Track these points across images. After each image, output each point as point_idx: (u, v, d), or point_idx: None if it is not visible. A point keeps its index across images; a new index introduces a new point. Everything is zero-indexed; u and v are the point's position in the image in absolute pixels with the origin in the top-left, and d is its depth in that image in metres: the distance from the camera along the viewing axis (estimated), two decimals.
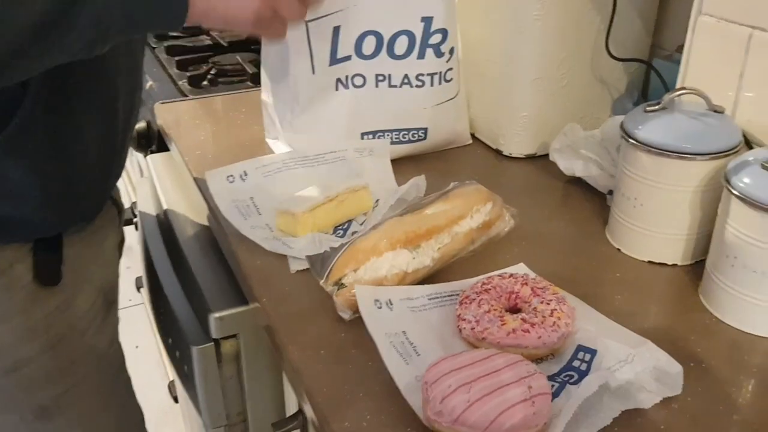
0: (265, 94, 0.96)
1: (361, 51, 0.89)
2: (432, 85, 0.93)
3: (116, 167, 0.80)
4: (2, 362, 0.74)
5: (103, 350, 0.85)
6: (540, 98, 0.94)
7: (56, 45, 0.56)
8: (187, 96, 1.22)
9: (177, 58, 1.36)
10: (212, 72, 1.29)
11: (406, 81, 0.92)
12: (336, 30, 0.87)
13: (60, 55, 0.58)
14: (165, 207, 1.01)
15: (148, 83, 1.31)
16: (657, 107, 0.72)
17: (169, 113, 1.13)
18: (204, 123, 1.09)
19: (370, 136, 0.94)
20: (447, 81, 0.94)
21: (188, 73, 1.28)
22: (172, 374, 1.27)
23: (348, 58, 0.89)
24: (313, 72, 0.88)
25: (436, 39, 0.91)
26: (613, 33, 0.92)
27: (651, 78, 0.99)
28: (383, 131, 0.94)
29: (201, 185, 0.90)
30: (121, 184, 0.91)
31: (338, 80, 0.90)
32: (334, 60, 0.89)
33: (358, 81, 0.91)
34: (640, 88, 1.01)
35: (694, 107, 0.73)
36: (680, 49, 0.88)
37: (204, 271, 0.85)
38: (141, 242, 1.06)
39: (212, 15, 0.67)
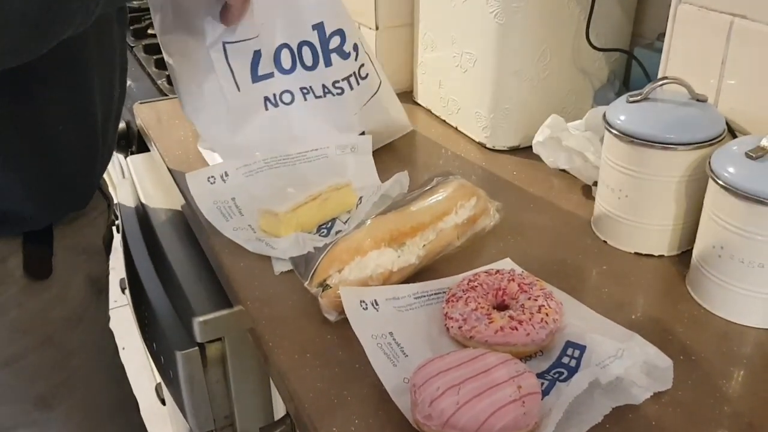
0: (189, 111, 0.91)
1: (281, 65, 0.88)
2: (352, 88, 0.90)
3: (101, 157, 0.79)
4: (0, 355, 0.73)
5: (97, 339, 0.85)
6: (522, 90, 0.94)
7: (63, 15, 0.54)
8: (166, 95, 1.20)
9: (155, 57, 1.34)
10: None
11: (327, 90, 0.90)
12: (257, 53, 0.86)
13: (65, 26, 0.56)
14: (146, 208, 1.00)
15: (127, 83, 1.29)
16: (639, 97, 0.72)
17: (148, 113, 1.12)
18: (183, 122, 1.07)
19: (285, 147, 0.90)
20: (363, 78, 0.91)
21: (167, 72, 1.26)
22: (158, 376, 1.26)
23: (270, 75, 0.88)
24: (238, 89, 0.86)
25: (335, 42, 0.88)
26: (593, 23, 0.91)
27: (632, 67, 0.98)
28: (323, 148, 0.90)
29: (182, 186, 0.88)
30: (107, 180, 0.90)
31: (266, 99, 0.88)
32: (256, 77, 0.87)
33: (287, 98, 0.89)
34: (622, 77, 1.00)
35: (676, 96, 0.72)
36: (661, 37, 0.87)
37: (187, 274, 0.84)
38: (122, 244, 1.05)
39: None
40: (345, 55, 0.89)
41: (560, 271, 0.71)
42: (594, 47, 0.93)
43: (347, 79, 0.90)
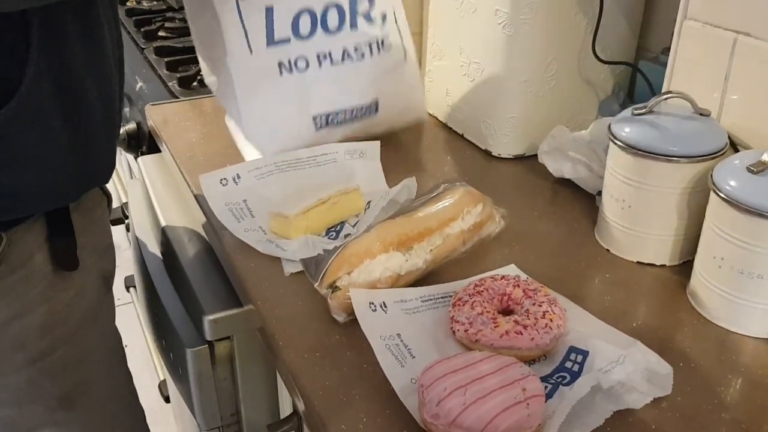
0: (208, 80, 0.94)
1: (299, 32, 0.88)
2: (372, 54, 0.92)
3: (117, 130, 0.80)
4: (29, 352, 0.74)
5: (110, 337, 0.86)
6: (528, 100, 0.95)
7: None
8: (177, 97, 1.22)
9: (167, 59, 1.35)
10: (202, 73, 1.29)
11: (347, 55, 0.91)
12: (269, 11, 0.86)
13: None
14: (157, 208, 1.01)
15: (138, 84, 1.31)
16: (644, 110, 0.73)
17: (159, 115, 1.13)
18: (194, 124, 1.09)
19: (323, 119, 0.92)
20: (386, 48, 0.93)
21: (178, 75, 1.28)
22: (162, 374, 1.27)
23: (287, 40, 0.88)
24: (251, 52, 0.86)
25: (364, 7, 0.90)
26: (599, 36, 0.93)
27: (637, 79, 1.00)
28: (335, 112, 0.92)
29: (194, 188, 0.90)
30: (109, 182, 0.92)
31: (280, 64, 0.88)
32: (272, 41, 0.87)
33: (302, 64, 0.89)
34: (627, 89, 1.02)
35: (680, 110, 0.74)
36: (666, 51, 0.89)
37: (197, 273, 0.86)
38: (133, 244, 1.07)
39: None
40: (371, 20, 0.90)
41: (564, 278, 0.73)
42: (600, 60, 0.94)
43: (370, 44, 0.91)
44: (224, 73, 0.89)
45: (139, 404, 0.95)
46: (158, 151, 1.12)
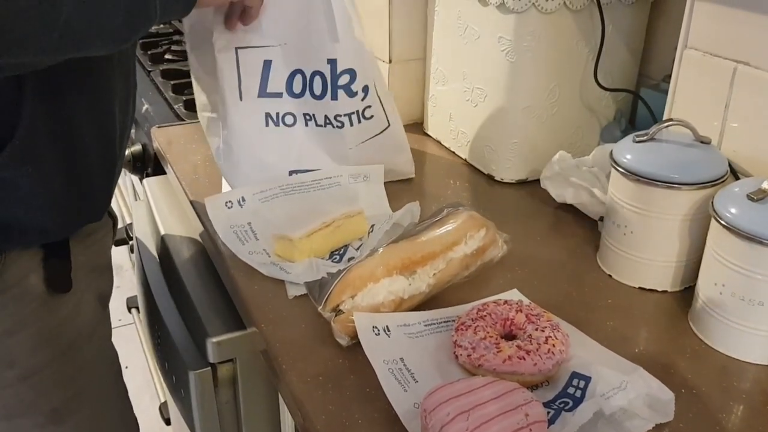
0: (200, 117, 0.96)
1: (292, 89, 0.91)
2: (352, 124, 0.92)
3: (117, 167, 0.82)
4: (18, 369, 0.75)
5: (106, 354, 0.87)
6: (530, 125, 0.97)
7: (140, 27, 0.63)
8: (183, 120, 1.23)
9: (173, 82, 1.37)
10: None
11: (328, 121, 0.92)
12: (267, 64, 0.88)
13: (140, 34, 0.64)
14: (162, 230, 1.02)
15: (144, 107, 1.32)
16: (645, 137, 0.74)
17: (165, 137, 1.14)
18: (200, 147, 1.10)
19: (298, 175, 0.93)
20: (367, 118, 0.94)
21: (184, 97, 1.30)
22: (163, 395, 1.27)
23: (279, 95, 0.90)
24: (241, 99, 0.89)
25: (344, 80, 0.91)
26: (601, 63, 0.94)
27: (638, 105, 1.01)
28: (311, 171, 0.93)
29: (199, 210, 0.91)
30: (114, 203, 0.93)
31: (267, 115, 0.91)
32: (264, 93, 0.90)
33: (289, 120, 0.92)
34: (628, 115, 1.03)
35: (681, 138, 0.75)
36: (667, 78, 0.90)
37: (201, 295, 0.86)
38: (137, 265, 1.07)
39: None
40: (351, 94, 0.91)
41: (566, 304, 0.73)
42: (602, 87, 0.96)
43: (349, 115, 0.92)
44: (215, 116, 0.91)
45: (134, 419, 0.96)
46: (163, 173, 1.13)
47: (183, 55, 1.57)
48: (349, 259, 0.79)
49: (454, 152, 1.09)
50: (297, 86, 0.91)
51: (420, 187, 1.00)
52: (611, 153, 0.76)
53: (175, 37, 1.73)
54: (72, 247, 0.77)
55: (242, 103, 0.89)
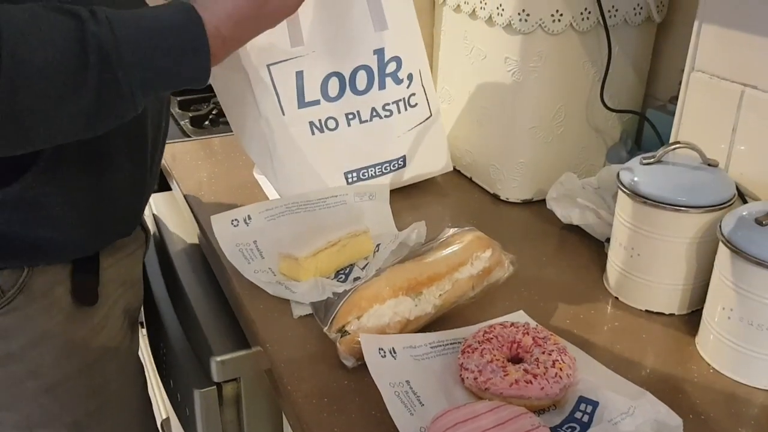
0: (240, 140, 0.97)
1: (328, 94, 0.92)
2: (399, 112, 0.97)
3: (148, 185, 0.82)
4: (43, 380, 0.75)
5: (131, 369, 0.87)
6: (536, 145, 0.97)
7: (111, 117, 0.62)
8: (189, 136, 1.24)
9: (179, 98, 1.37)
10: (214, 112, 1.31)
11: (375, 114, 0.95)
12: (299, 74, 0.90)
13: (115, 122, 0.63)
14: (167, 246, 1.02)
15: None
16: (652, 160, 0.74)
17: (170, 153, 1.15)
18: (206, 164, 1.11)
19: (354, 174, 0.95)
20: (412, 106, 0.98)
21: (190, 113, 1.30)
22: (165, 412, 1.26)
23: (317, 102, 0.92)
24: (283, 113, 0.90)
25: (391, 68, 0.95)
26: (607, 84, 0.95)
27: (645, 126, 1.01)
28: (364, 168, 0.96)
29: (204, 228, 0.91)
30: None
31: (311, 124, 0.92)
32: (303, 103, 0.91)
33: (331, 124, 0.93)
34: (634, 136, 1.03)
35: (688, 160, 0.75)
36: (673, 100, 0.90)
37: (206, 313, 0.86)
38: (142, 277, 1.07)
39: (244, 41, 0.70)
40: (398, 81, 0.95)
41: (572, 326, 0.73)
42: (608, 108, 0.96)
43: (397, 102, 0.96)
44: (257, 134, 0.91)
45: (156, 430, 0.95)
46: (169, 189, 1.13)
47: None
48: (355, 279, 0.79)
49: (459, 171, 1.09)
50: (333, 90, 0.92)
51: (426, 205, 1.00)
52: (618, 175, 0.76)
53: None
54: (101, 261, 0.77)
55: (285, 118, 0.90)
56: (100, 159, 0.72)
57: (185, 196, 1.00)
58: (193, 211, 0.96)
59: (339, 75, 0.92)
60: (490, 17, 0.93)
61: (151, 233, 0.91)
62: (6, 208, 0.68)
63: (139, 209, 0.83)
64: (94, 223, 0.74)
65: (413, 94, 0.98)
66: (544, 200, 0.94)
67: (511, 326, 0.65)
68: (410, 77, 0.97)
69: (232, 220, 0.85)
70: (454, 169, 1.10)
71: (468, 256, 0.76)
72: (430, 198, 1.01)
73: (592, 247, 0.87)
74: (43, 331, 0.74)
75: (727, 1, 0.75)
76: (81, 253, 0.75)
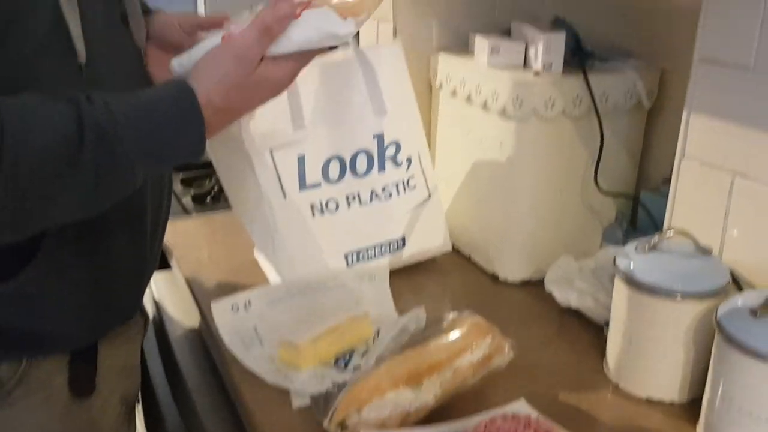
0: (242, 220, 0.98)
1: (329, 176, 0.94)
2: (399, 193, 0.99)
3: (148, 271, 0.83)
4: None
5: None
6: (533, 226, 0.98)
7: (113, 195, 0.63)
8: (189, 213, 1.25)
9: (182, 175, 1.39)
10: (215, 189, 1.33)
11: (374, 195, 0.97)
12: (301, 158, 0.92)
13: (117, 198, 0.65)
14: (166, 327, 1.02)
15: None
16: (647, 247, 0.76)
17: (172, 231, 1.15)
18: (207, 243, 1.12)
19: (354, 256, 0.97)
20: (411, 187, 1.00)
21: (192, 190, 1.32)
22: None
23: (318, 184, 0.94)
24: (285, 196, 0.92)
25: (391, 151, 0.98)
26: (601, 166, 0.97)
27: (639, 207, 1.03)
28: (364, 249, 0.98)
29: (203, 309, 0.91)
30: None
31: (312, 206, 0.94)
32: (304, 186, 0.93)
33: (332, 206, 0.95)
34: (629, 216, 1.04)
35: (682, 246, 0.76)
36: (666, 182, 0.92)
37: (204, 398, 0.86)
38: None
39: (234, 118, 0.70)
40: (397, 164, 0.98)
41: (574, 415, 0.72)
42: (602, 191, 0.97)
43: (396, 184, 0.98)
44: (259, 216, 0.93)
45: None
46: (169, 267, 1.14)
47: None
48: (355, 367, 0.78)
49: (458, 249, 1.10)
50: (333, 172, 0.95)
51: (425, 285, 1.00)
52: (614, 261, 0.77)
53: None
54: (100, 349, 0.77)
55: (286, 201, 0.92)
56: (99, 245, 0.72)
57: (186, 279, 1.00)
58: (194, 296, 0.96)
59: (340, 158, 0.95)
60: (485, 103, 0.96)
61: (150, 317, 0.91)
62: (6, 302, 0.68)
63: (138, 295, 0.83)
64: (93, 313, 0.74)
65: (412, 176, 1.00)
66: (542, 280, 0.95)
67: (512, 419, 0.65)
68: (409, 160, 0.99)
69: (232, 306, 0.86)
70: (453, 247, 1.11)
71: (468, 343, 0.76)
72: (429, 278, 1.02)
73: (592, 330, 0.88)
74: (41, 425, 0.73)
75: (714, 92, 0.77)
76: (80, 343, 0.75)
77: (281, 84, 0.71)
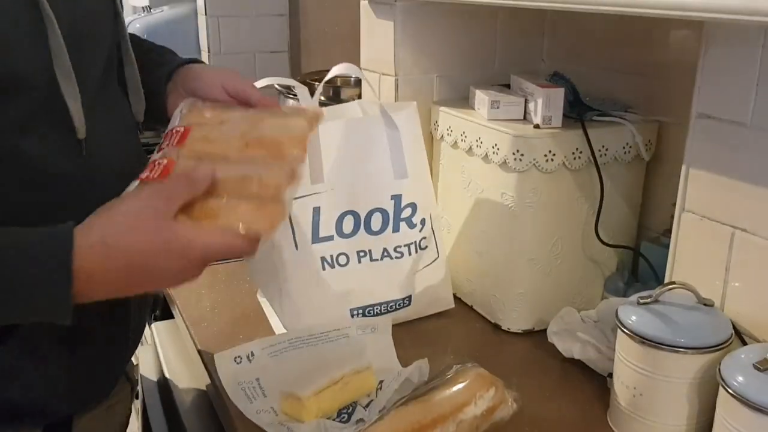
0: (249, 268, 0.99)
1: (342, 230, 0.95)
2: (410, 254, 0.99)
3: (130, 346, 0.81)
4: None
5: None
6: (535, 276, 0.98)
7: None
8: None
9: None
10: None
11: (386, 254, 0.97)
12: (316, 210, 0.93)
13: None
14: (168, 377, 1.02)
15: None
16: (649, 300, 0.76)
17: None
18: (210, 292, 1.12)
19: (359, 311, 0.97)
20: (422, 249, 1.00)
21: None
22: None
23: (330, 238, 0.94)
24: (297, 248, 0.92)
25: (407, 213, 0.98)
26: (601, 218, 0.98)
27: (640, 258, 1.03)
28: (370, 306, 0.98)
29: (206, 360, 0.91)
30: None
31: (323, 259, 0.94)
32: (317, 238, 0.94)
33: (343, 260, 0.96)
34: (630, 266, 1.05)
35: (684, 299, 0.77)
36: (667, 233, 0.93)
37: None
38: (140, 411, 1.06)
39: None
40: (412, 226, 0.98)
41: None
42: (603, 243, 0.98)
43: (409, 246, 0.98)
44: (269, 266, 0.94)
45: None
46: (172, 316, 1.14)
47: None
48: (358, 420, 0.78)
49: (460, 299, 1.10)
50: (347, 227, 0.95)
51: (427, 335, 1.00)
52: (616, 313, 0.78)
53: None
54: (75, 423, 0.75)
55: (298, 252, 0.92)
56: (78, 322, 0.63)
57: (188, 327, 1.00)
58: (195, 343, 0.96)
59: (355, 213, 0.95)
60: (486, 155, 0.97)
61: (138, 383, 0.88)
62: None
63: (117, 372, 0.80)
64: (67, 389, 0.72)
65: (424, 237, 1.00)
66: (545, 330, 0.95)
67: None
68: (423, 222, 0.99)
69: (236, 357, 0.86)
70: (456, 296, 1.11)
71: (471, 396, 0.76)
72: (432, 329, 1.02)
73: (595, 381, 0.87)
74: None
75: (712, 147, 0.78)
76: (52, 418, 0.73)
77: (179, 275, 0.62)
